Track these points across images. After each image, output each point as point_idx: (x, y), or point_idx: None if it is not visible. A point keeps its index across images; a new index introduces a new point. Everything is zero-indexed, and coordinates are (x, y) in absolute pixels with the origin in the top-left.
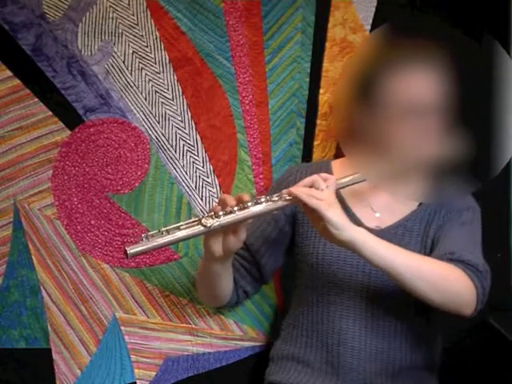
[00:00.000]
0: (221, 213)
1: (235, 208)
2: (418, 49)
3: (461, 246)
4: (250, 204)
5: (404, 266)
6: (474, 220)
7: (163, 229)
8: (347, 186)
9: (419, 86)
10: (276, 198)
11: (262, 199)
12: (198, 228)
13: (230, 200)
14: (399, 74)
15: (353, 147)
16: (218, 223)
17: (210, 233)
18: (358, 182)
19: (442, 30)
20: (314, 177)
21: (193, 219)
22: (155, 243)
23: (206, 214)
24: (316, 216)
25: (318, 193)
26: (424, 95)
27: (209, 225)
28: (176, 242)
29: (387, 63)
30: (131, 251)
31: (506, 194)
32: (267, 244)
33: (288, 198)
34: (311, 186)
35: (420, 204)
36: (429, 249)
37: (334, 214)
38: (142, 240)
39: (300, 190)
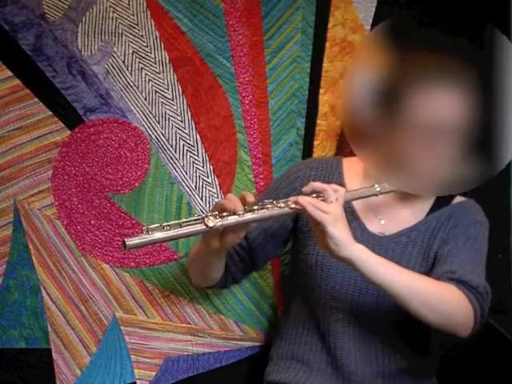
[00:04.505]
0: (225, 213)
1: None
2: (443, 68)
3: (463, 265)
4: (255, 207)
5: (401, 285)
6: (479, 236)
7: (165, 224)
8: (356, 199)
9: (443, 108)
10: (282, 205)
11: (268, 205)
12: (200, 227)
13: (239, 205)
14: (423, 95)
15: (368, 154)
16: (220, 223)
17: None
18: (367, 196)
19: (468, 48)
20: (325, 186)
21: (196, 217)
22: (154, 237)
23: (210, 213)
24: (320, 228)
25: (325, 205)
26: (447, 118)
27: (211, 225)
28: (176, 239)
29: (412, 83)
30: (130, 243)
31: (506, 195)
32: (265, 234)
33: (294, 206)
34: (320, 193)
35: (427, 215)
36: (431, 261)
37: (337, 230)
38: (142, 232)
39: (308, 200)
